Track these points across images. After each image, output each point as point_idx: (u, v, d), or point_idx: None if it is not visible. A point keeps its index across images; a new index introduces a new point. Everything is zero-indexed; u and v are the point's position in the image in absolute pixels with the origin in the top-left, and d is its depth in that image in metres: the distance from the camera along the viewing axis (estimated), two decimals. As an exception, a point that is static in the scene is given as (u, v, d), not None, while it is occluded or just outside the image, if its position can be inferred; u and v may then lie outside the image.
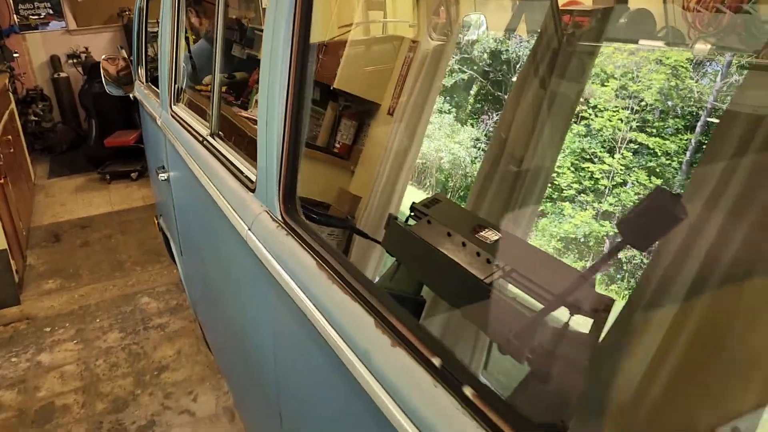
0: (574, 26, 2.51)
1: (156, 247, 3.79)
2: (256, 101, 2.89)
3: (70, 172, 5.53)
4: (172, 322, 3.04)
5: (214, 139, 1.54)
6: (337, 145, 3.17)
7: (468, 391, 0.58)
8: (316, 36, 1.00)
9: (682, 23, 2.20)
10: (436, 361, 0.62)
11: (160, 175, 2.20)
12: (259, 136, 1.11)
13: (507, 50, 9.75)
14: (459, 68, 10.00)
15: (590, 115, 8.71)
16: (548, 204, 8.36)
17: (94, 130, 5.54)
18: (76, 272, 3.63)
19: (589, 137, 8.70)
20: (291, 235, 0.99)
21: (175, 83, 1.99)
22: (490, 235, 1.52)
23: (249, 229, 1.13)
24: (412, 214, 1.70)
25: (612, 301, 1.35)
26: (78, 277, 3.58)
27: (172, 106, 1.97)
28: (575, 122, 8.81)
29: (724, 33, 2.06)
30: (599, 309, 1.38)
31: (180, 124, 1.84)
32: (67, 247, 4.01)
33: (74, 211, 4.62)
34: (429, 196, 1.70)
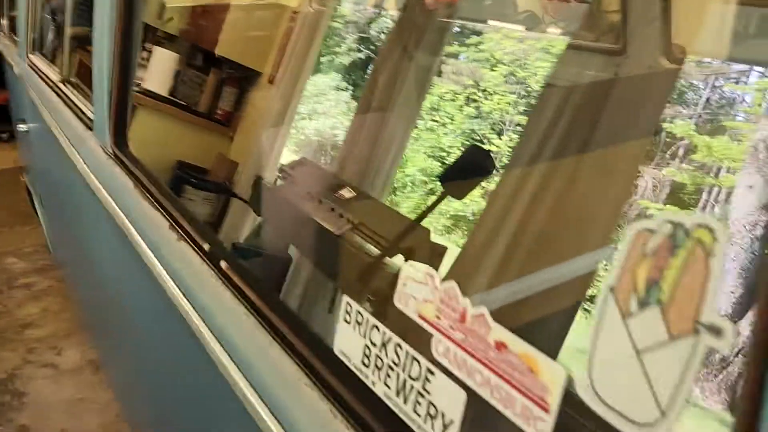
0: (446, 6, 2.72)
1: (26, 209, 3.66)
2: (139, 63, 2.88)
3: (-67, 132, 5.13)
4: (39, 281, 3.00)
5: (64, 85, 1.59)
6: (219, 112, 3.21)
7: (223, 264, 0.73)
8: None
9: (539, 9, 2.47)
10: (206, 247, 0.78)
11: (21, 126, 2.19)
12: (94, 80, 1.21)
13: (382, 23, 9.98)
14: (356, 47, 10.13)
15: (480, 98, 9.16)
16: (438, 183, 8.74)
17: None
18: (-65, 233, 3.45)
19: (479, 119, 9.16)
20: (117, 165, 1.10)
21: (32, 32, 1.99)
22: (346, 194, 1.69)
23: (85, 162, 1.22)
24: (280, 175, 1.84)
25: (445, 249, 1.57)
26: (-64, 238, 3.41)
27: (30, 55, 1.97)
28: (466, 104, 9.24)
29: (571, 20, 2.34)
30: (433, 255, 1.60)
31: (35, 72, 1.86)
32: (-75, 208, 3.78)
33: (-65, 171, 4.34)
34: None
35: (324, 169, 2.74)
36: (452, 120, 9.94)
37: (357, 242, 1.55)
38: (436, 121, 10.12)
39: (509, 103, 9.56)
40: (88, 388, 2.32)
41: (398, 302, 0.49)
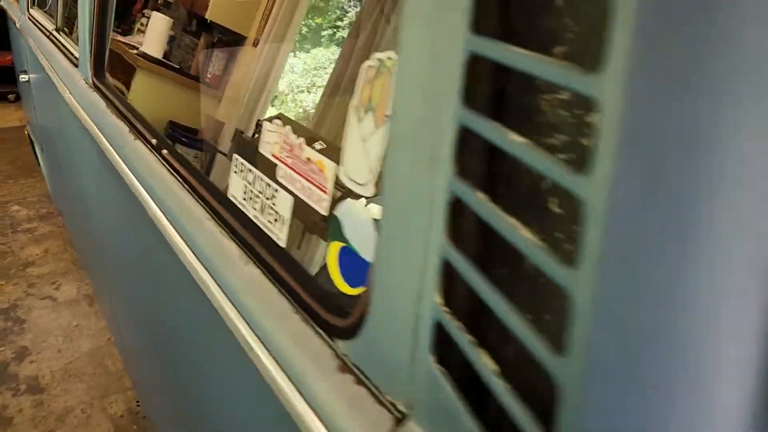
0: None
1: (30, 164, 3.90)
2: (138, 29, 3.09)
3: (-58, 92, 5.36)
4: (41, 227, 3.24)
5: (58, 33, 1.80)
6: (209, 76, 3.39)
7: (164, 152, 0.95)
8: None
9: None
10: (153, 141, 0.99)
11: (22, 77, 2.40)
12: (78, 26, 1.41)
13: None
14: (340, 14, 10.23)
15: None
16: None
17: (-31, 50, 5.37)
18: (-55, 184, 3.69)
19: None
20: (95, 91, 1.31)
21: (32, -12, 2.19)
22: (317, 146, 1.89)
23: (71, 93, 1.44)
24: (256, 129, 2.05)
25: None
26: (-54, 188, 3.65)
27: (29, 10, 2.18)
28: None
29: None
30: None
31: (35, 24, 2.06)
32: (-65, 161, 4.03)
33: (-55, 129, 4.57)
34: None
35: (300, 124, 2.93)
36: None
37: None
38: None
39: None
40: (83, 317, 2.56)
41: (261, 149, 0.70)
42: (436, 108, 0.40)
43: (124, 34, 3.64)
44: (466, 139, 0.39)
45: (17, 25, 2.35)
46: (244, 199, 0.73)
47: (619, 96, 0.26)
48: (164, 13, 3.14)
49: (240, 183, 0.73)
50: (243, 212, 0.73)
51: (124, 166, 1.06)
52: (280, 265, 0.63)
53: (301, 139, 0.63)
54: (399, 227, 0.45)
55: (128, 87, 2.21)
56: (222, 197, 0.78)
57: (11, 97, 5.09)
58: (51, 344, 2.45)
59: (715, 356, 0.26)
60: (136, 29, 3.74)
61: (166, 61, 3.25)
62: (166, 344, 1.08)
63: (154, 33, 3.03)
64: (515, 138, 0.33)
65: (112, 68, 1.72)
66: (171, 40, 3.38)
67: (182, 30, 3.41)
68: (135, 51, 2.67)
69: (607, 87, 0.27)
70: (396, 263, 0.45)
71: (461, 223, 0.40)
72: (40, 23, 2.01)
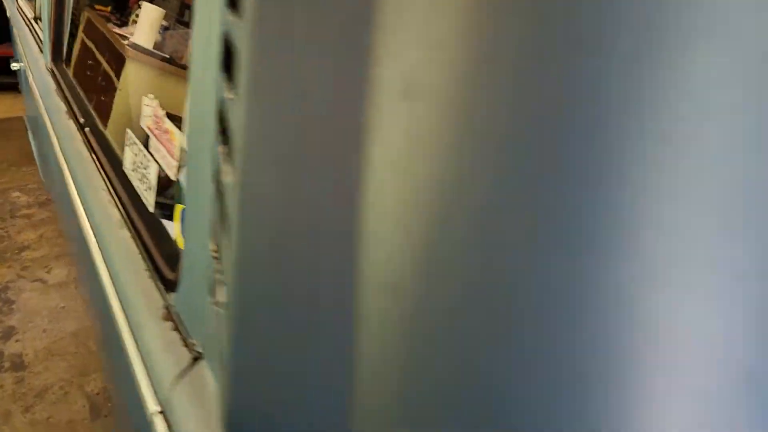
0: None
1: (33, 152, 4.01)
2: (133, 20, 3.16)
3: (-45, 82, 5.51)
4: (39, 212, 3.34)
5: (35, 22, 1.87)
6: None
7: (86, 130, 1.00)
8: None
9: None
10: (81, 120, 1.04)
11: (13, 65, 2.48)
12: (42, 13, 1.48)
13: None
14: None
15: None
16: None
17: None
18: (-48, 170, 3.82)
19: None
20: (50, 75, 1.38)
21: (20, -20, 2.27)
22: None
23: (34, 78, 1.50)
24: None
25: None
26: (-48, 174, 3.77)
27: (18, 0, 2.26)
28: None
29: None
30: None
31: (20, 14, 2.14)
32: (-55, 149, 4.16)
33: (-43, 118, 4.71)
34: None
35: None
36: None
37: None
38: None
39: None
40: (70, 300, 2.65)
41: (141, 123, 0.75)
42: (208, 79, 0.44)
43: (121, 25, 3.74)
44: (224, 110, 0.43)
45: (8, 14, 2.44)
46: (132, 170, 0.77)
47: (248, 38, 0.30)
48: (157, 4, 3.20)
49: (130, 155, 0.78)
50: (129, 182, 0.77)
51: (57, 145, 1.12)
52: (144, 228, 0.68)
53: (163, 112, 0.67)
54: (194, 188, 0.49)
55: (119, 77, 2.28)
56: (119, 170, 0.83)
57: (21, 87, 5.22)
58: (37, 324, 2.54)
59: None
60: (131, 20, 3.83)
61: (157, 51, 3.30)
62: (98, 319, 1.13)
63: (145, 23, 3.09)
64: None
65: (106, 59, 1.79)
66: (164, 30, 3.44)
67: (175, 20, 3.47)
68: (126, 42, 2.73)
69: (242, 32, 0.31)
70: (193, 219, 0.50)
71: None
72: (24, 13, 2.08)
